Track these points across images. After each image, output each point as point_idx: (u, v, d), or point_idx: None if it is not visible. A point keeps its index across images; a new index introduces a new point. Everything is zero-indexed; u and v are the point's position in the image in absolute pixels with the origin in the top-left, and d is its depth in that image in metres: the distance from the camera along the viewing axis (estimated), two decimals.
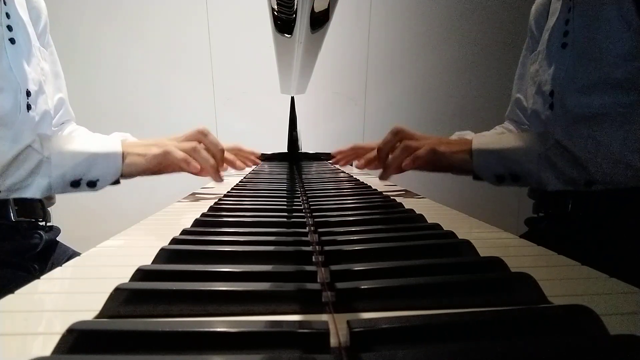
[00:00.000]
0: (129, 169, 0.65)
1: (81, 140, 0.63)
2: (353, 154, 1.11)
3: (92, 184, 0.62)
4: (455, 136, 0.97)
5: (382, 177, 0.75)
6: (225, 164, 0.80)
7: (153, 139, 0.70)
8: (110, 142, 0.65)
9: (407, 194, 0.74)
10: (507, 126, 0.99)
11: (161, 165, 0.67)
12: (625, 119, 0.63)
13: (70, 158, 0.60)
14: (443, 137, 0.74)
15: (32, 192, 0.59)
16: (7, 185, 0.58)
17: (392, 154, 0.72)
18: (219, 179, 0.71)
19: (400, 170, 0.73)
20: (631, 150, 0.59)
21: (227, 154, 1.00)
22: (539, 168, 0.62)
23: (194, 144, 0.68)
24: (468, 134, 0.97)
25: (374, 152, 0.88)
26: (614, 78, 0.63)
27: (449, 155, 0.68)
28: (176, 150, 0.66)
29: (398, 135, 0.73)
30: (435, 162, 0.69)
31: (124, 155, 0.64)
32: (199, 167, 0.68)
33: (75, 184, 0.62)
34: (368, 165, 0.91)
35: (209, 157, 0.69)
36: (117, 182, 0.65)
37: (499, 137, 0.68)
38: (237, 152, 1.07)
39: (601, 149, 0.60)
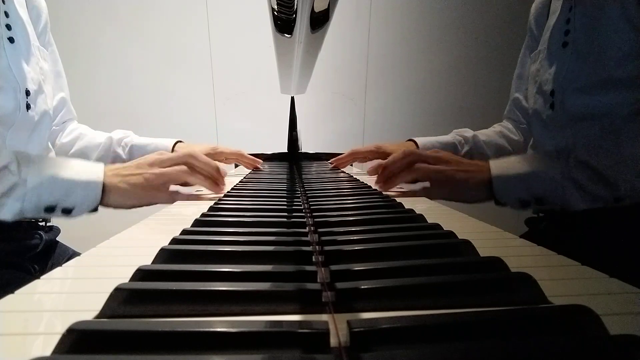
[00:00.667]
0: (115, 204, 0.62)
1: (61, 164, 0.60)
2: (351, 159, 1.11)
3: (67, 211, 0.59)
4: (453, 134, 0.97)
5: (384, 189, 0.74)
6: (228, 162, 0.79)
7: (134, 163, 0.66)
8: (91, 170, 0.61)
9: (408, 194, 0.74)
10: (505, 125, 0.99)
11: (153, 196, 0.64)
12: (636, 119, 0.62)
13: (47, 184, 0.57)
14: (459, 160, 0.70)
15: (3, 214, 0.56)
16: None
17: (399, 172, 0.70)
18: (220, 192, 0.71)
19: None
20: None
21: (229, 153, 1.01)
22: (564, 190, 0.60)
23: (182, 167, 0.66)
24: (466, 132, 0.97)
25: (377, 161, 0.88)
26: (615, 77, 0.63)
27: (463, 189, 0.66)
28: (174, 174, 0.65)
29: (408, 158, 0.70)
30: (446, 193, 0.68)
31: (108, 188, 0.61)
32: (199, 182, 0.68)
33: (50, 210, 0.58)
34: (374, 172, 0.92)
35: (203, 177, 0.68)
36: (95, 210, 0.62)
37: (516, 160, 0.65)
38: (239, 157, 1.07)
39: (627, 163, 0.57)
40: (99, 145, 0.90)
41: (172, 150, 0.92)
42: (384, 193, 0.68)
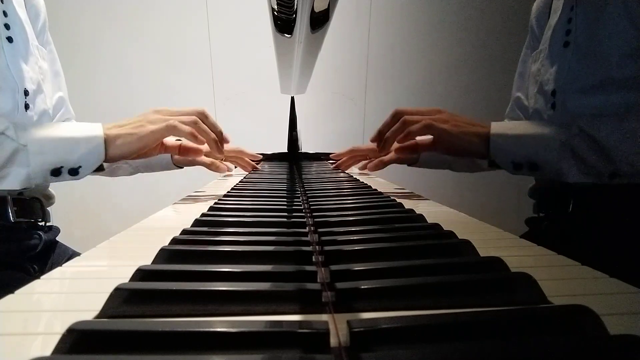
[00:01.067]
0: (119, 151, 0.61)
1: (59, 126, 0.60)
2: (352, 159, 1.11)
3: (73, 172, 0.58)
4: None
5: (375, 166, 0.72)
6: (228, 159, 0.78)
7: (137, 116, 0.65)
8: (90, 127, 0.61)
9: (408, 194, 0.74)
10: None
11: (157, 142, 0.63)
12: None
13: (49, 144, 0.56)
14: (458, 115, 0.69)
15: (10, 183, 0.56)
16: None
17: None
18: (221, 164, 0.70)
19: (398, 150, 0.70)
20: None
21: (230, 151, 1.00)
22: (560, 157, 0.59)
23: (193, 117, 0.65)
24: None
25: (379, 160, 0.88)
26: (617, 78, 0.63)
27: (455, 135, 0.64)
28: (181, 124, 0.63)
29: (397, 116, 0.69)
30: (438, 139, 0.66)
31: (111, 137, 0.60)
32: (204, 140, 0.66)
33: (56, 173, 0.58)
34: (373, 166, 0.91)
35: (210, 130, 0.66)
36: (100, 168, 0.62)
37: (519, 123, 0.64)
38: (239, 154, 1.07)
39: (629, 138, 0.56)
40: None
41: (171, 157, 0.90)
42: (384, 194, 0.68)
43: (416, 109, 0.70)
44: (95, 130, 0.60)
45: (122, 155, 0.62)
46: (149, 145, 0.63)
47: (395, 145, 0.72)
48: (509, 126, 0.65)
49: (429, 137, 0.69)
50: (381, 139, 0.71)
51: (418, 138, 0.72)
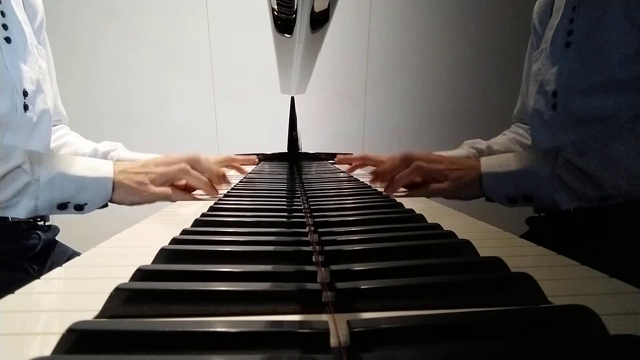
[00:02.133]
0: (119, 198, 0.65)
1: (72, 162, 0.63)
2: (362, 164, 1.11)
3: (79, 207, 0.62)
4: (465, 145, 0.96)
5: (387, 191, 0.75)
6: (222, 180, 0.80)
7: (144, 163, 0.68)
8: (102, 167, 0.64)
9: (408, 195, 0.74)
10: (516, 130, 0.98)
11: (154, 202, 0.67)
12: (633, 125, 0.62)
13: (59, 182, 0.59)
14: (451, 162, 0.72)
15: (18, 212, 0.58)
16: None
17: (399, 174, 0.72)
18: (215, 194, 0.72)
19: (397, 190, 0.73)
20: None
21: (219, 162, 1.00)
22: (551, 189, 0.61)
23: (182, 165, 0.68)
24: (479, 143, 0.95)
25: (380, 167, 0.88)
26: (619, 79, 0.63)
27: (458, 192, 0.68)
28: (177, 190, 0.68)
29: (406, 161, 0.72)
30: (439, 195, 0.69)
31: (116, 183, 0.63)
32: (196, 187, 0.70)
33: (62, 207, 0.61)
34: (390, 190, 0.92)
35: (201, 177, 0.70)
36: (105, 205, 0.65)
37: (507, 158, 0.67)
38: (231, 162, 1.06)
39: (613, 164, 0.59)
40: (83, 155, 0.89)
41: None
42: (384, 194, 0.68)
43: (422, 155, 0.73)
44: (105, 171, 0.64)
45: (122, 203, 0.66)
46: (145, 203, 0.67)
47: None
48: (497, 162, 0.67)
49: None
50: (387, 177, 0.74)
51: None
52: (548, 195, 0.62)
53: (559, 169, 0.61)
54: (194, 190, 0.74)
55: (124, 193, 0.64)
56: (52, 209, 0.61)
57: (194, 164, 0.70)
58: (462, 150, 0.95)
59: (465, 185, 0.68)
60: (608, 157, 0.59)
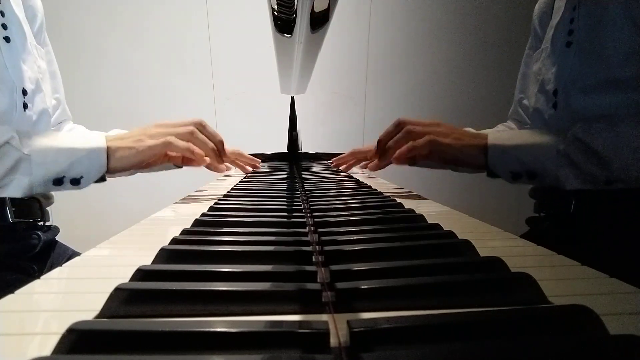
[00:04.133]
0: (119, 163, 0.62)
1: (63, 136, 0.61)
2: (353, 160, 1.11)
3: (75, 182, 0.60)
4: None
5: (376, 166, 0.73)
6: (226, 160, 0.78)
7: (139, 128, 0.66)
8: (93, 138, 0.62)
9: (408, 194, 0.74)
10: (509, 125, 0.99)
11: (156, 157, 0.64)
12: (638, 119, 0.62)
13: (52, 155, 0.58)
14: (456, 128, 0.70)
15: (12, 191, 0.57)
16: None
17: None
18: (221, 165, 0.70)
19: (398, 159, 0.70)
20: None
21: (228, 152, 1.00)
22: (557, 166, 0.60)
23: (190, 128, 0.65)
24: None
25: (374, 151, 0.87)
26: (619, 78, 0.63)
27: (457, 148, 0.65)
28: (177, 140, 0.64)
29: (400, 126, 0.70)
30: (440, 154, 0.66)
31: (111, 150, 0.62)
32: (203, 153, 0.66)
33: (58, 182, 0.59)
34: (374, 166, 0.91)
35: (208, 140, 0.67)
36: (102, 179, 0.63)
37: (516, 133, 0.65)
38: (238, 156, 1.07)
39: (623, 144, 0.57)
40: None
41: None
42: (384, 194, 0.68)
43: (418, 121, 0.70)
44: (98, 141, 0.61)
45: (122, 168, 0.63)
46: (147, 159, 0.64)
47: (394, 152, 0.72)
48: (505, 136, 0.65)
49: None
50: (381, 146, 0.71)
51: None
52: (553, 173, 0.60)
53: (568, 146, 0.59)
54: (188, 164, 0.72)
55: (120, 157, 0.62)
56: (47, 185, 0.59)
57: (201, 128, 0.67)
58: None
59: (470, 149, 0.65)
60: (619, 138, 0.58)
